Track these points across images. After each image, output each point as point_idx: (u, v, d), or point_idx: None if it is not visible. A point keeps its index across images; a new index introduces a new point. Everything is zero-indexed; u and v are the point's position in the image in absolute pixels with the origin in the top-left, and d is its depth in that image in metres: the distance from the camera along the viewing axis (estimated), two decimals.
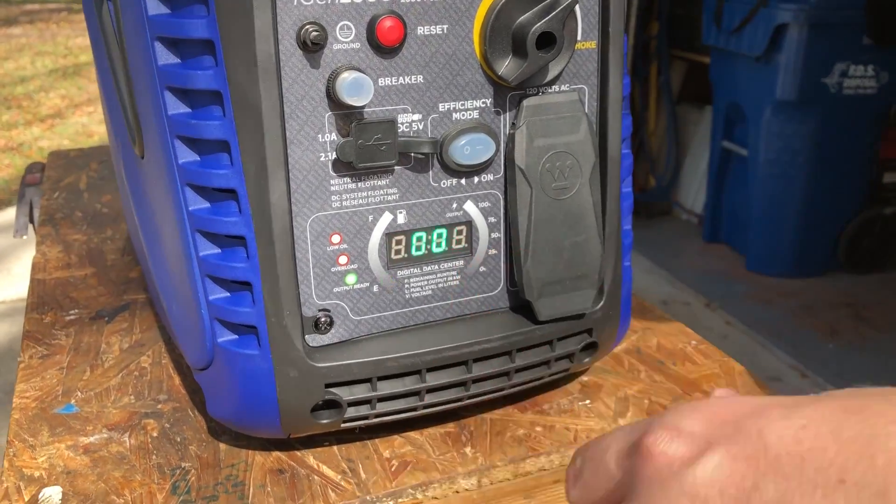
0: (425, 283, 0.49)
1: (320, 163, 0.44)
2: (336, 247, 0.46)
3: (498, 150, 0.48)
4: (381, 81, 0.44)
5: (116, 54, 0.51)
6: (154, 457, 0.51)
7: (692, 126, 2.87)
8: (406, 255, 0.48)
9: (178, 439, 0.52)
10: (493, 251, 0.50)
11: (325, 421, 0.48)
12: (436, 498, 0.49)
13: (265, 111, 0.42)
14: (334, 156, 0.44)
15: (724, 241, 2.59)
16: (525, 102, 0.47)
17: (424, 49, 0.44)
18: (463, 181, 0.48)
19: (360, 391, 0.48)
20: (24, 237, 0.98)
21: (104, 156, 1.13)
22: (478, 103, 0.46)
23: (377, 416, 0.49)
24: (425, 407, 0.50)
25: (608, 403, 0.57)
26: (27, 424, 0.54)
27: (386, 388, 0.48)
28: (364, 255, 0.47)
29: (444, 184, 0.47)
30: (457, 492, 0.49)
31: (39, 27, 7.13)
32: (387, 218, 0.47)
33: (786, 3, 2.09)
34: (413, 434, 0.53)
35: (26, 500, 0.47)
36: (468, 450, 0.51)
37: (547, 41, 0.44)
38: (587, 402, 0.57)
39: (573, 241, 0.49)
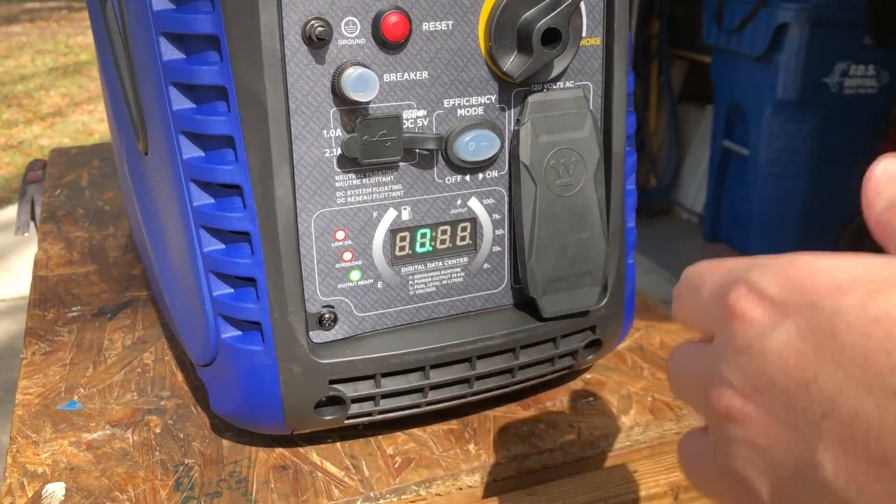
0: (429, 279, 0.49)
1: (325, 159, 0.44)
2: (340, 243, 0.46)
3: (503, 146, 0.48)
4: (386, 77, 0.44)
5: (121, 50, 0.51)
6: (157, 453, 0.51)
7: (693, 125, 2.87)
8: (410, 252, 0.48)
9: (182, 436, 0.52)
10: (498, 248, 0.50)
11: (328, 417, 0.48)
12: (439, 495, 0.49)
13: (270, 107, 0.42)
14: (339, 152, 0.44)
15: (724, 240, 2.59)
16: (530, 99, 0.47)
17: (429, 45, 0.44)
18: (467, 178, 0.48)
19: (364, 388, 0.48)
20: (26, 234, 0.98)
21: (105, 153, 1.12)
22: (483, 100, 0.46)
23: (381, 412, 0.49)
24: (429, 404, 0.50)
25: (611, 401, 0.57)
26: (30, 421, 0.54)
27: (389, 384, 0.48)
28: (368, 251, 0.47)
29: (448, 180, 0.47)
30: (460, 488, 0.49)
31: (40, 25, 7.13)
32: (391, 214, 0.47)
33: (787, 3, 2.09)
34: (416, 431, 0.53)
35: (30, 496, 0.47)
36: (471, 446, 0.51)
37: (552, 37, 0.44)
38: (590, 399, 0.57)
39: (577, 237, 0.49)
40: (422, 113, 0.45)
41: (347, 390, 0.47)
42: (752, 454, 0.24)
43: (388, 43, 0.43)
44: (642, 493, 0.50)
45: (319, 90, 0.43)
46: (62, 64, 5.63)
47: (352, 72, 0.42)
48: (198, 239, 0.45)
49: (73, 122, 4.28)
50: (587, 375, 0.60)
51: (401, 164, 0.46)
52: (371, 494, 0.48)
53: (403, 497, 0.48)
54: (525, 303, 0.51)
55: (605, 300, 0.52)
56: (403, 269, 0.48)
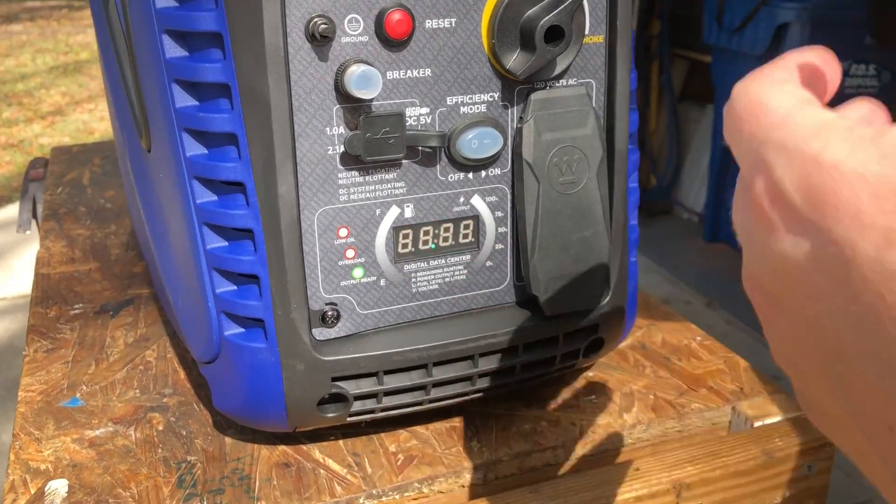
0: (432, 277, 0.49)
1: (328, 156, 0.44)
2: (343, 240, 0.46)
3: (505, 144, 0.48)
4: (389, 75, 0.44)
5: (123, 48, 0.51)
6: (160, 450, 0.51)
7: (693, 125, 2.87)
8: (413, 250, 0.48)
9: (184, 433, 0.52)
10: (500, 246, 0.50)
11: (331, 415, 0.48)
12: (441, 492, 0.49)
13: (273, 104, 0.42)
14: (342, 149, 0.44)
15: (724, 240, 2.59)
16: (533, 96, 0.47)
17: (432, 42, 0.44)
18: (470, 175, 0.48)
19: (367, 385, 0.48)
20: (28, 232, 0.98)
21: (107, 151, 1.13)
22: (485, 97, 0.46)
23: (383, 410, 0.49)
24: (431, 401, 0.50)
25: (613, 399, 0.57)
26: (33, 418, 0.54)
27: (392, 382, 0.48)
28: (371, 248, 0.47)
29: (451, 178, 0.47)
30: (462, 486, 0.49)
31: (40, 24, 7.13)
32: (394, 212, 0.47)
33: (788, 2, 2.09)
34: (419, 428, 0.53)
35: (32, 492, 0.47)
36: (474, 444, 0.51)
37: (555, 35, 0.44)
38: (592, 397, 0.57)
39: (580, 235, 0.49)
40: (425, 110, 0.45)
41: (350, 387, 0.47)
42: None
43: (391, 40, 0.43)
44: (644, 491, 0.50)
45: (322, 87, 0.43)
46: (62, 63, 5.63)
47: (355, 69, 0.42)
48: (201, 236, 0.45)
49: (73, 121, 4.28)
50: (589, 373, 0.60)
51: (404, 161, 0.46)
52: (373, 492, 0.48)
53: (406, 494, 0.48)
54: (527, 300, 0.51)
55: (608, 298, 0.52)
56: (406, 267, 0.48)
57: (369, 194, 0.46)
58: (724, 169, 2.51)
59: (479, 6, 0.44)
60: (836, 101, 0.25)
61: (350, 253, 0.46)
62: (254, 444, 0.51)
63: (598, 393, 0.57)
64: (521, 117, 0.47)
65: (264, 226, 0.43)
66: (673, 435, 0.55)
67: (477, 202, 0.49)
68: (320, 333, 0.47)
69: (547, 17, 0.43)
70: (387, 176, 0.46)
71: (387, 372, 0.48)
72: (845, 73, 2.14)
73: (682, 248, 2.63)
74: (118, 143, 0.67)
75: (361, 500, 0.47)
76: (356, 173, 0.45)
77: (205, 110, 0.43)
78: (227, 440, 0.52)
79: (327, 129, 0.43)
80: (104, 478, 0.48)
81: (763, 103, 0.23)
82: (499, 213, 0.49)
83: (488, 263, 0.50)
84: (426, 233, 0.48)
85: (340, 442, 0.52)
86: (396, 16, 0.42)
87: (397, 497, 0.48)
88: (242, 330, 0.47)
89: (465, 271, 0.50)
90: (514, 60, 0.45)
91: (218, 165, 0.44)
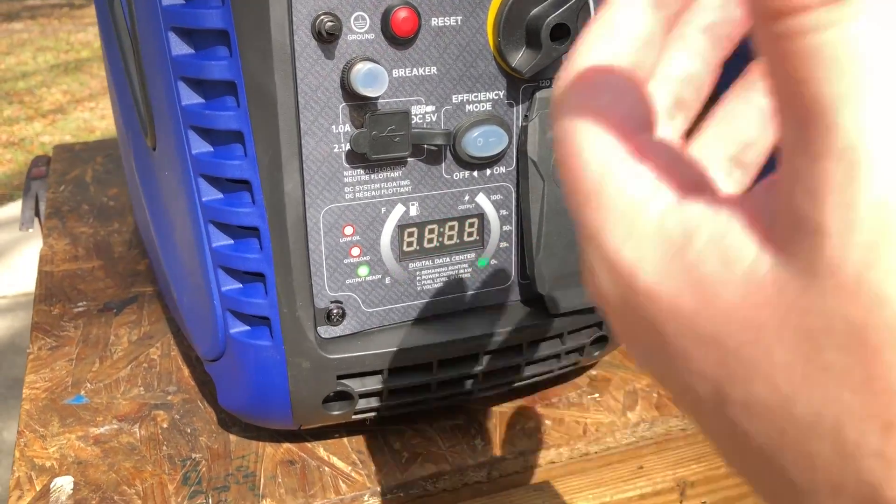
0: (437, 275, 0.49)
1: (334, 154, 0.44)
2: (349, 238, 0.46)
3: (511, 142, 0.48)
4: (395, 73, 0.44)
5: (128, 45, 0.51)
6: (164, 448, 0.51)
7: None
8: (418, 248, 0.48)
9: (189, 430, 0.52)
10: (505, 244, 0.50)
11: (336, 412, 0.48)
12: (446, 490, 0.49)
13: (280, 102, 0.42)
14: (348, 147, 0.44)
15: None
16: (538, 94, 0.47)
17: (438, 40, 0.44)
18: (475, 173, 0.48)
19: (372, 383, 0.48)
20: (30, 230, 0.98)
21: (109, 149, 1.13)
22: (491, 95, 0.46)
23: (388, 407, 0.49)
24: (436, 399, 0.50)
25: (617, 397, 0.57)
26: (38, 415, 0.54)
27: (397, 380, 0.48)
28: (376, 246, 0.47)
29: (456, 176, 0.47)
30: (466, 484, 0.49)
31: (41, 22, 7.13)
32: (399, 210, 0.47)
33: None
34: (423, 426, 0.53)
35: (38, 489, 0.47)
36: (478, 442, 0.52)
37: (561, 33, 0.44)
38: (596, 395, 0.57)
39: None
40: (430, 108, 0.45)
41: (355, 385, 0.47)
42: None
43: (397, 38, 0.43)
44: (648, 489, 0.50)
45: (329, 85, 0.43)
46: (63, 61, 5.63)
47: (361, 67, 0.42)
48: (206, 234, 0.45)
49: (74, 120, 4.28)
50: (593, 372, 0.60)
51: (409, 159, 0.46)
52: (378, 489, 0.48)
53: (410, 492, 0.48)
54: (532, 299, 0.51)
55: None
56: (411, 265, 0.48)
57: (375, 192, 0.46)
58: None
59: (485, 4, 0.44)
60: None
61: (355, 251, 0.46)
62: (258, 442, 0.51)
63: (602, 391, 0.57)
64: (526, 115, 0.47)
65: (270, 224, 0.43)
66: (677, 433, 0.55)
67: (482, 200, 0.49)
68: (325, 331, 0.47)
69: (553, 15, 0.43)
70: (392, 174, 0.46)
71: (392, 370, 0.48)
72: None
73: None
74: (122, 141, 0.67)
75: (366, 498, 0.47)
76: (362, 171, 0.45)
77: (211, 108, 0.43)
78: (232, 438, 0.52)
79: (333, 126, 0.43)
80: (109, 475, 0.48)
81: (578, 156, 0.20)
82: (504, 212, 0.49)
83: (493, 262, 0.50)
84: (431, 231, 0.48)
85: (345, 439, 0.52)
86: (403, 13, 0.42)
87: (401, 495, 0.48)
88: (248, 328, 0.47)
89: (470, 269, 0.50)
90: (520, 58, 0.45)
91: (224, 163, 0.44)
